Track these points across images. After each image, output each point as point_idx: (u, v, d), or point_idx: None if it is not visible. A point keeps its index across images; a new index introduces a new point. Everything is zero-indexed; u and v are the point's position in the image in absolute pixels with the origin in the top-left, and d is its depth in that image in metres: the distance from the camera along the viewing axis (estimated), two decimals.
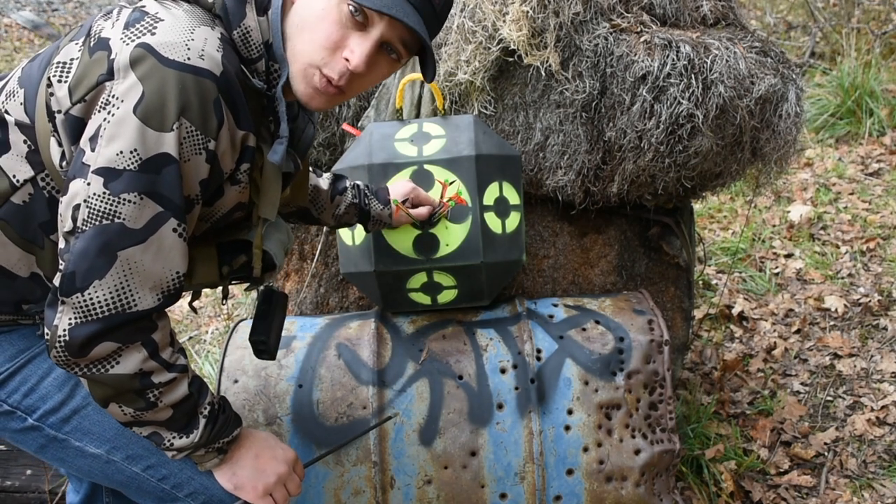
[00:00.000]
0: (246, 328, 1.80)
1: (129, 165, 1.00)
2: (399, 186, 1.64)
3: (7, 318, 1.22)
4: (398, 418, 1.64)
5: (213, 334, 3.15)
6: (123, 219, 1.00)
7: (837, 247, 3.50)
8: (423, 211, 1.64)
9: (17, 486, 2.06)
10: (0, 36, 7.65)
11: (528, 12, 1.73)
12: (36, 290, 1.19)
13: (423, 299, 1.76)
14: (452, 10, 1.84)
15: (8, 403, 1.23)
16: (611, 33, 1.79)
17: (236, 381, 1.69)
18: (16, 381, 1.22)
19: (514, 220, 1.74)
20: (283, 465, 1.26)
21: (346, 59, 1.12)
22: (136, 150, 1.00)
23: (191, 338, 3.20)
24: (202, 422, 1.16)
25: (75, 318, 1.02)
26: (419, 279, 1.72)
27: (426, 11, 1.14)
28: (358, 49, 1.11)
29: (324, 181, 1.57)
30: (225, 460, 1.24)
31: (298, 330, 1.79)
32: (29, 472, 2.09)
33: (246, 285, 1.36)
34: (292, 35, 1.14)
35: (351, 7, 1.09)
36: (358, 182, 1.63)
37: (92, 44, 1.06)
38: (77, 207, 1.01)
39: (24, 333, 1.23)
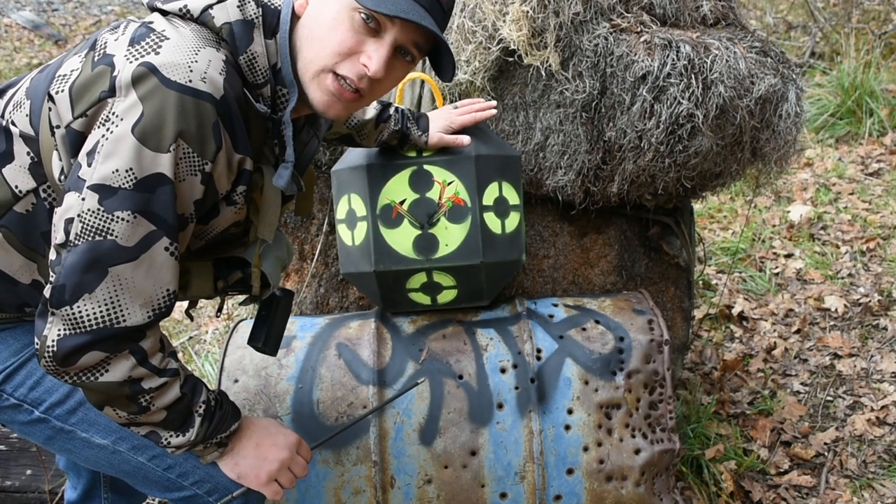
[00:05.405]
0: (246, 328, 1.80)
1: (124, 184, 1.01)
2: (438, 114, 1.70)
3: (11, 315, 1.23)
4: (421, 384, 1.65)
5: (214, 334, 3.15)
6: (116, 236, 1.01)
7: (837, 247, 3.50)
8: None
9: (17, 486, 2.06)
10: (0, 36, 7.65)
11: (528, 12, 1.73)
12: (37, 296, 1.21)
13: (423, 299, 1.76)
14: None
15: (14, 397, 1.24)
16: (611, 33, 1.79)
17: (236, 381, 1.69)
18: (21, 374, 1.24)
19: (513, 220, 1.74)
20: (286, 451, 1.27)
21: (365, 65, 1.12)
22: (131, 168, 1.00)
23: (191, 338, 3.20)
24: (198, 420, 1.18)
25: (64, 330, 1.03)
26: (419, 279, 1.72)
27: (436, 11, 1.15)
28: (375, 55, 1.12)
29: (370, 111, 1.61)
30: (226, 452, 1.25)
31: (298, 330, 1.79)
32: (29, 472, 2.09)
33: (242, 298, 1.37)
34: (302, 47, 1.14)
35: (363, 14, 1.10)
36: (402, 107, 1.67)
37: (96, 58, 1.06)
38: (70, 221, 1.02)
39: (28, 329, 1.24)
